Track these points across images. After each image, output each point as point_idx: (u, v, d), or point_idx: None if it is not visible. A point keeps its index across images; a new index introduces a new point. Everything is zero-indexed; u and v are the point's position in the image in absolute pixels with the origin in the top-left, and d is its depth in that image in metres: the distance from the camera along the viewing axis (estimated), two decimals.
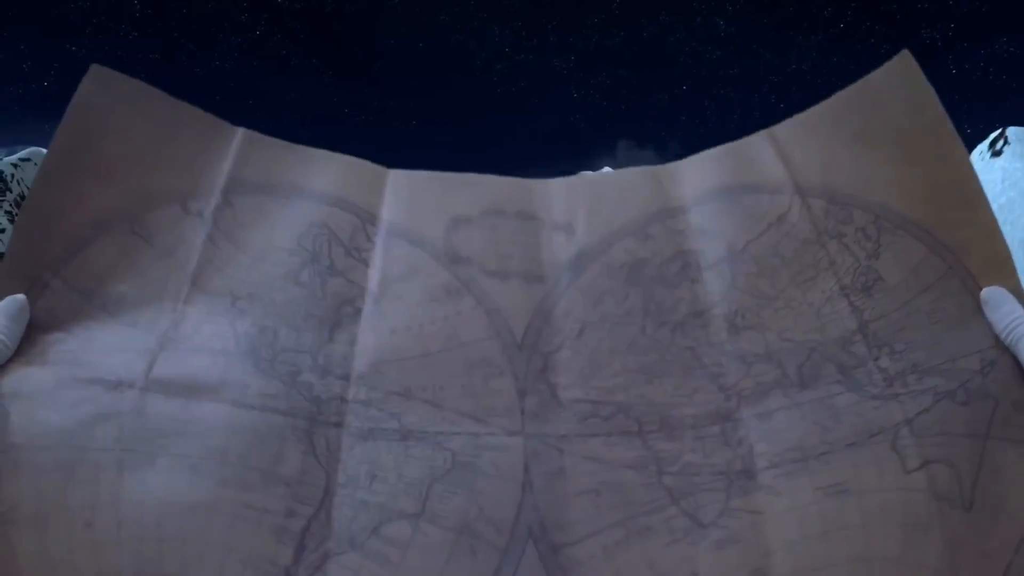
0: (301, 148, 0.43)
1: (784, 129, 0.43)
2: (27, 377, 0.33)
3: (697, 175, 0.43)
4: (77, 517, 0.30)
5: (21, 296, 0.34)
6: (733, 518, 0.33)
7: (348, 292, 0.38)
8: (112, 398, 0.33)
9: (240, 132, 0.42)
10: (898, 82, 0.40)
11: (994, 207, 0.37)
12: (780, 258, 0.39)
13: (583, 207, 0.42)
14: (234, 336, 0.36)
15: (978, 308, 0.35)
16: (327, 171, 0.42)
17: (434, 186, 0.43)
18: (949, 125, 0.39)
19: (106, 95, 0.39)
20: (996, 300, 0.35)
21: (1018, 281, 0.36)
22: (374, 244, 0.40)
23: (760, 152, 0.42)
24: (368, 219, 0.41)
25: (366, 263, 0.40)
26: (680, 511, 0.34)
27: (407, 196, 0.42)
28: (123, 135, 0.39)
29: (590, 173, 0.45)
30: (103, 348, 0.35)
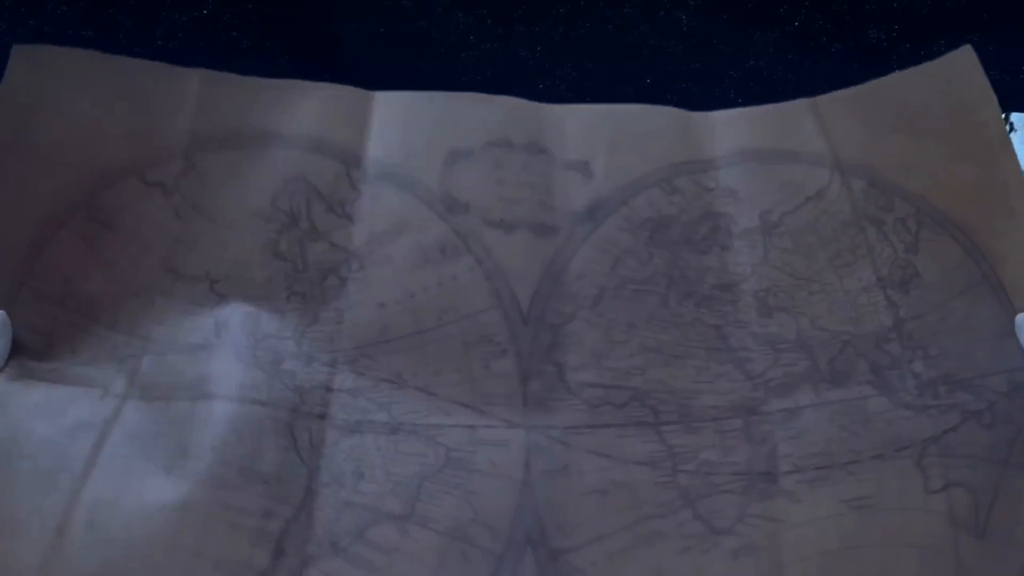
0: (269, 83, 0.38)
1: (827, 101, 0.40)
2: (14, 394, 0.31)
3: (730, 130, 0.39)
4: (50, 524, 0.29)
5: (1, 312, 0.32)
6: (750, 525, 0.32)
7: (332, 259, 0.35)
8: (96, 407, 0.31)
9: (196, 76, 0.37)
10: (956, 76, 0.39)
11: None
12: (817, 236, 0.37)
13: (603, 144, 0.38)
14: (215, 327, 0.34)
15: (1010, 325, 0.34)
16: (301, 107, 0.38)
17: (429, 111, 0.38)
18: (1004, 129, 0.38)
19: (37, 74, 0.35)
20: None
21: None
22: (359, 193, 0.37)
23: (800, 119, 0.39)
24: (352, 161, 0.37)
25: (350, 218, 0.36)
26: (694, 515, 0.32)
27: (397, 126, 0.38)
28: (63, 111, 0.35)
29: (607, 105, 0.39)
30: (87, 358, 0.33)
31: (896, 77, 0.41)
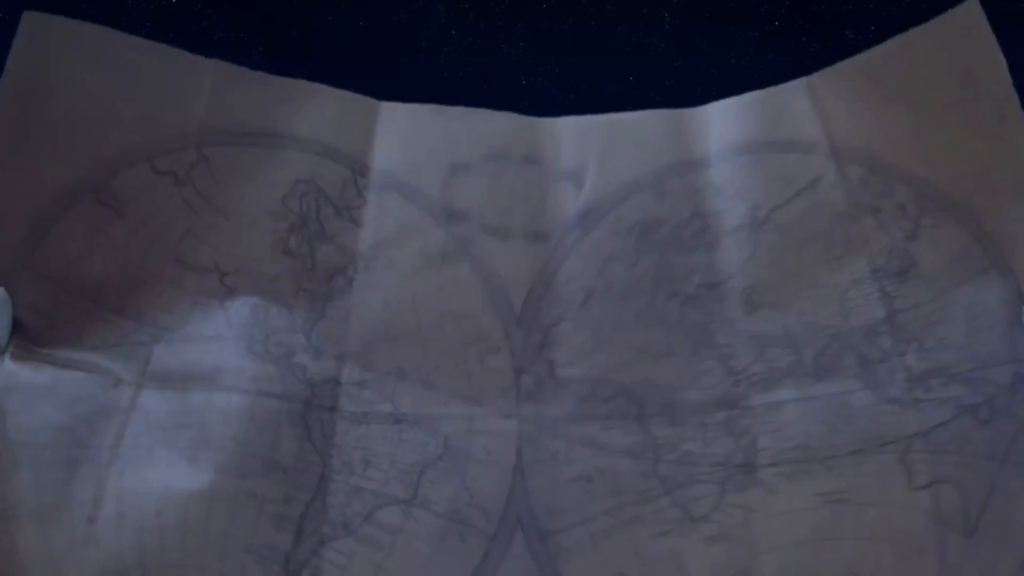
0: (281, 81, 0.39)
1: (825, 79, 0.38)
2: (21, 374, 0.33)
3: (723, 124, 0.39)
4: (79, 513, 0.31)
5: (0, 288, 0.33)
6: (726, 514, 0.34)
7: (339, 260, 0.37)
8: (111, 395, 0.33)
9: (212, 68, 0.38)
10: (961, 37, 0.36)
11: None
12: (808, 231, 0.37)
13: (595, 153, 0.39)
14: (225, 319, 0.36)
15: (1019, 314, 0.33)
16: (312, 111, 0.39)
17: (431, 125, 0.40)
18: (1015, 99, 0.35)
19: (48, 45, 0.35)
20: None
21: None
22: (365, 200, 0.38)
23: (795, 104, 0.38)
24: (358, 169, 0.39)
25: (357, 222, 0.38)
26: (672, 502, 0.34)
27: (401, 138, 0.39)
28: (74, 90, 0.35)
29: (604, 115, 0.41)
30: (96, 342, 0.34)
31: (895, 43, 0.38)
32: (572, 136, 0.40)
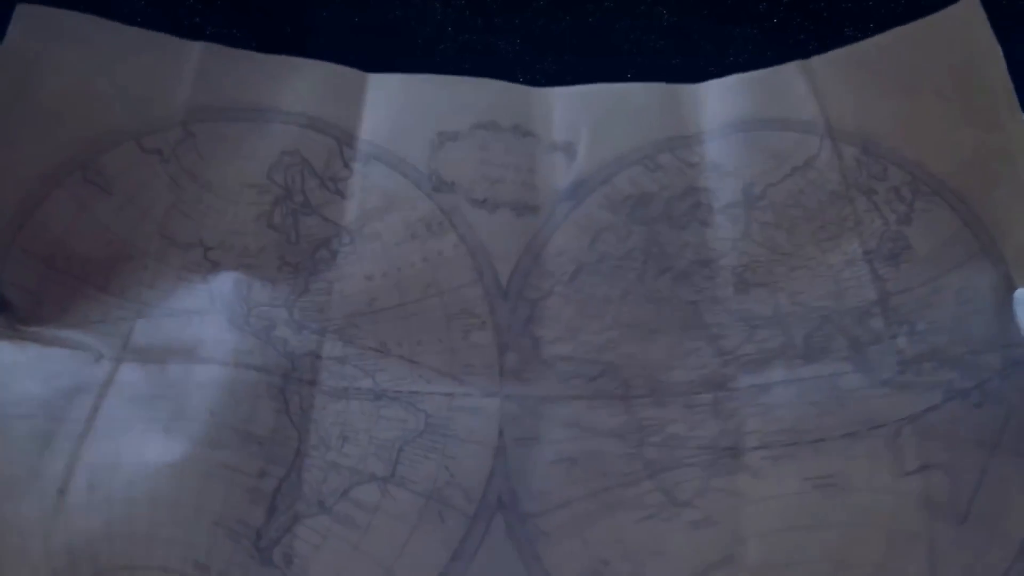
0: (269, 59, 0.39)
1: (822, 62, 0.39)
2: (3, 351, 0.33)
3: (718, 101, 0.39)
4: (50, 485, 0.31)
5: None
6: (710, 499, 0.33)
7: (323, 232, 0.37)
8: (91, 370, 0.33)
9: (198, 48, 0.39)
10: (959, 29, 0.37)
11: None
12: (802, 209, 0.36)
13: (587, 124, 0.39)
14: (208, 294, 0.35)
15: (1009, 299, 0.33)
16: (298, 84, 0.39)
17: (419, 93, 0.40)
18: (1011, 89, 0.35)
19: (38, 34, 0.36)
20: None
21: None
22: (351, 171, 0.38)
23: (792, 83, 0.38)
24: (345, 140, 0.39)
25: (342, 194, 0.38)
26: (656, 485, 0.33)
27: (388, 108, 0.39)
28: (63, 74, 0.36)
29: (597, 85, 0.40)
30: (80, 319, 0.34)
31: (894, 33, 0.39)
32: (564, 106, 0.40)
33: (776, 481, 0.33)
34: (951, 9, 0.38)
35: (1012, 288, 0.33)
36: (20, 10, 0.37)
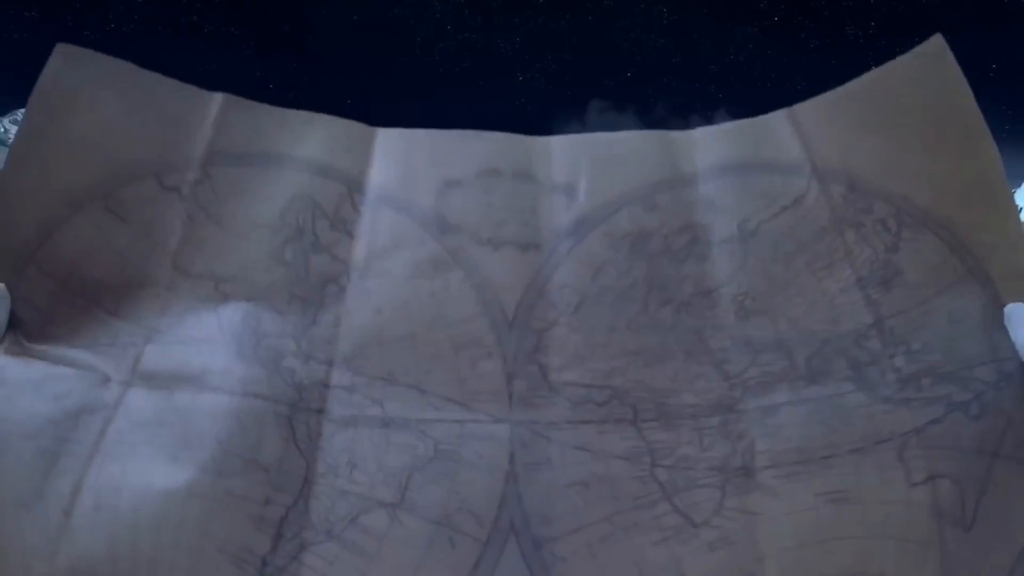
0: (284, 112, 0.39)
1: (804, 109, 0.38)
2: (11, 367, 0.30)
3: (710, 146, 0.38)
4: (55, 505, 0.27)
5: (0, 284, 0.31)
6: (727, 518, 0.30)
7: (332, 270, 0.34)
8: (98, 393, 0.30)
9: (219, 98, 0.37)
10: (929, 68, 0.35)
11: None
12: (795, 242, 0.35)
13: (586, 168, 0.38)
14: (218, 324, 0.32)
15: (998, 317, 0.31)
16: (311, 135, 0.37)
17: (426, 145, 0.38)
18: (981, 120, 0.34)
19: (74, 73, 0.35)
20: (1019, 317, 0.31)
21: None
22: (360, 214, 0.36)
23: (777, 130, 0.37)
24: (355, 187, 0.36)
25: (351, 235, 0.35)
26: (672, 507, 0.30)
27: (396, 158, 0.38)
28: (93, 111, 0.35)
29: (593, 134, 0.42)
30: (88, 341, 0.31)
31: (870, 76, 0.38)
32: (563, 153, 0.38)
33: (790, 498, 0.29)
34: (919, 49, 0.37)
35: (1001, 306, 0.32)
36: (59, 49, 0.35)
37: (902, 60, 0.36)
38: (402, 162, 0.37)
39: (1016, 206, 0.34)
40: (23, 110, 0.36)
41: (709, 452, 0.31)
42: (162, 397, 0.30)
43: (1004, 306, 0.32)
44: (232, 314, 0.33)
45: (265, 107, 0.38)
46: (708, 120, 0.42)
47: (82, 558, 0.27)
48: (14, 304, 0.31)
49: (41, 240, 0.32)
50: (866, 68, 0.40)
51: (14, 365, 0.30)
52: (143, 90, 0.36)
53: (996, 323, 0.31)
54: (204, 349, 0.32)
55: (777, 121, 0.37)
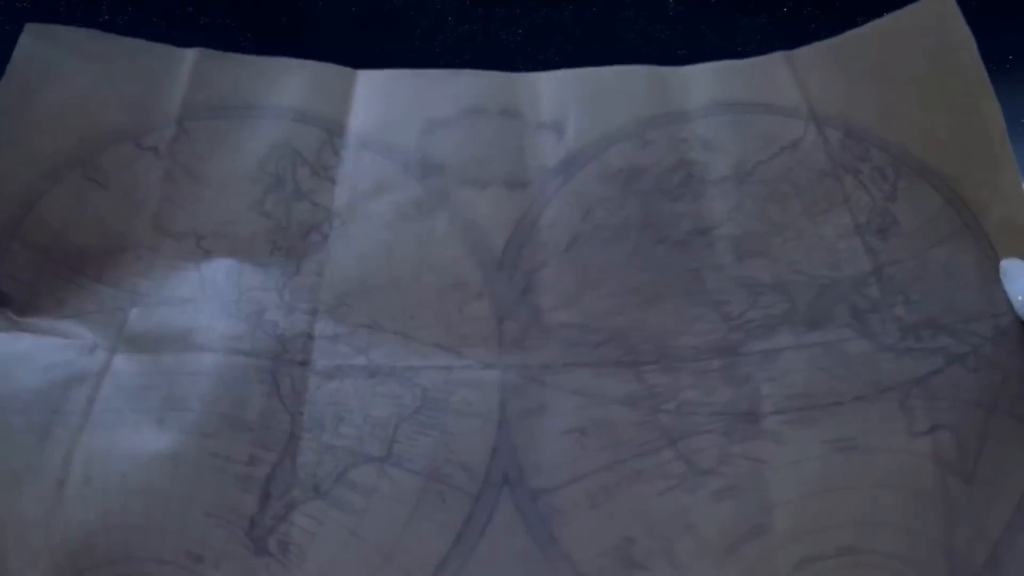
0: (260, 60, 0.40)
1: (803, 53, 0.39)
2: (1, 342, 0.32)
3: (704, 83, 0.39)
4: (49, 477, 0.30)
5: None
6: (733, 465, 0.31)
7: (314, 218, 0.36)
8: (86, 361, 0.33)
9: (193, 53, 0.39)
10: (933, 20, 0.37)
11: None
12: (792, 185, 0.36)
13: (575, 104, 0.38)
14: (200, 282, 0.35)
15: (994, 272, 0.33)
16: (289, 82, 0.39)
17: (408, 85, 0.39)
18: (984, 74, 0.35)
19: (44, 48, 0.38)
20: (1014, 272, 0.33)
21: None
22: (342, 159, 0.37)
23: (775, 72, 0.38)
24: (335, 131, 0.38)
25: (333, 181, 0.37)
26: (677, 454, 0.31)
27: (378, 100, 0.39)
28: (65, 82, 0.37)
29: (583, 69, 0.40)
30: (75, 310, 0.34)
31: (872, 26, 0.39)
32: (551, 89, 0.39)
33: (797, 445, 0.31)
34: (924, 2, 0.38)
35: (995, 261, 0.34)
36: (29, 28, 0.39)
37: (907, 11, 0.38)
38: (384, 103, 0.39)
39: (1014, 160, 0.35)
40: None
41: (712, 396, 0.32)
42: (147, 360, 0.33)
43: (999, 261, 0.33)
44: (214, 270, 0.35)
45: (241, 57, 0.40)
46: None
47: (77, 528, 0.30)
48: (0, 281, 0.33)
49: (22, 216, 0.35)
50: None
51: (3, 340, 0.32)
52: (115, 55, 0.39)
53: (991, 278, 0.33)
54: (188, 308, 0.34)
55: (774, 63, 0.39)
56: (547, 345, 0.33)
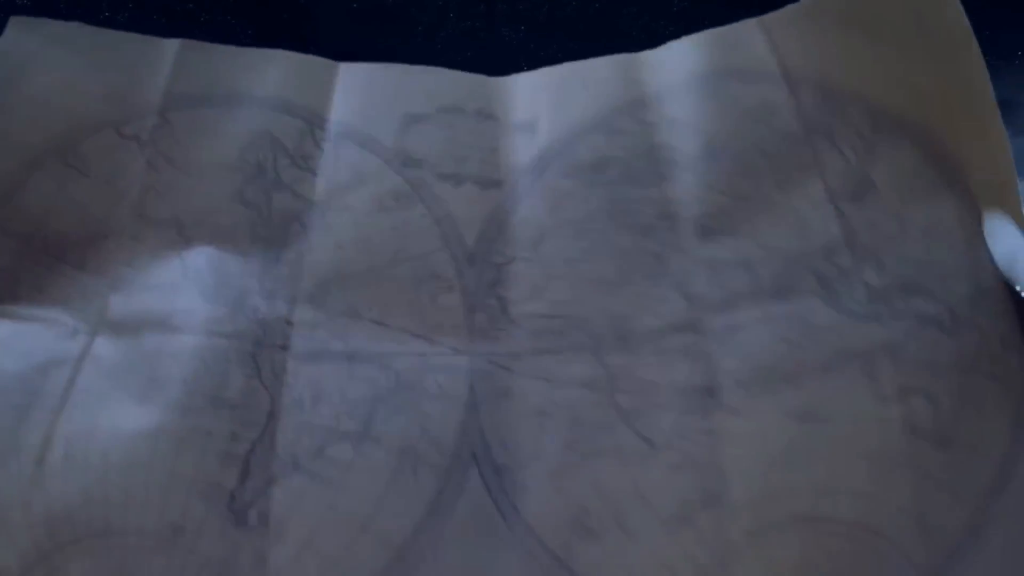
0: (242, 50, 0.40)
1: (777, 16, 0.39)
2: None
3: (675, 60, 0.39)
4: (27, 457, 0.31)
5: None
6: (690, 440, 0.32)
7: (294, 207, 0.37)
8: (66, 345, 0.33)
9: (175, 44, 0.40)
10: None
11: None
12: (763, 155, 0.36)
13: (546, 102, 0.39)
14: (181, 267, 0.35)
15: (976, 230, 0.33)
16: (271, 73, 0.40)
17: (389, 79, 0.40)
18: (967, 25, 0.35)
19: (27, 41, 0.38)
20: (997, 229, 0.32)
21: (1019, 205, 0.33)
22: (322, 150, 0.38)
23: (748, 37, 0.38)
24: (316, 122, 0.39)
25: (313, 171, 0.38)
26: (632, 431, 0.33)
27: (358, 93, 0.40)
28: (49, 73, 0.38)
29: (556, 67, 0.41)
30: (54, 298, 0.34)
31: None
32: (523, 91, 0.40)
33: (756, 418, 0.32)
34: None
35: (978, 218, 0.33)
36: (13, 21, 0.39)
37: None
38: (364, 96, 0.39)
39: (999, 115, 0.34)
40: None
41: (671, 374, 0.33)
42: (129, 344, 0.33)
43: (982, 218, 0.32)
44: (196, 258, 0.36)
45: (223, 48, 0.40)
46: None
47: (57, 503, 0.30)
48: None
49: (2, 203, 0.35)
50: None
51: None
52: (98, 46, 0.39)
53: (974, 236, 0.33)
54: (169, 293, 0.35)
55: (747, 29, 0.39)
56: (514, 335, 0.35)
